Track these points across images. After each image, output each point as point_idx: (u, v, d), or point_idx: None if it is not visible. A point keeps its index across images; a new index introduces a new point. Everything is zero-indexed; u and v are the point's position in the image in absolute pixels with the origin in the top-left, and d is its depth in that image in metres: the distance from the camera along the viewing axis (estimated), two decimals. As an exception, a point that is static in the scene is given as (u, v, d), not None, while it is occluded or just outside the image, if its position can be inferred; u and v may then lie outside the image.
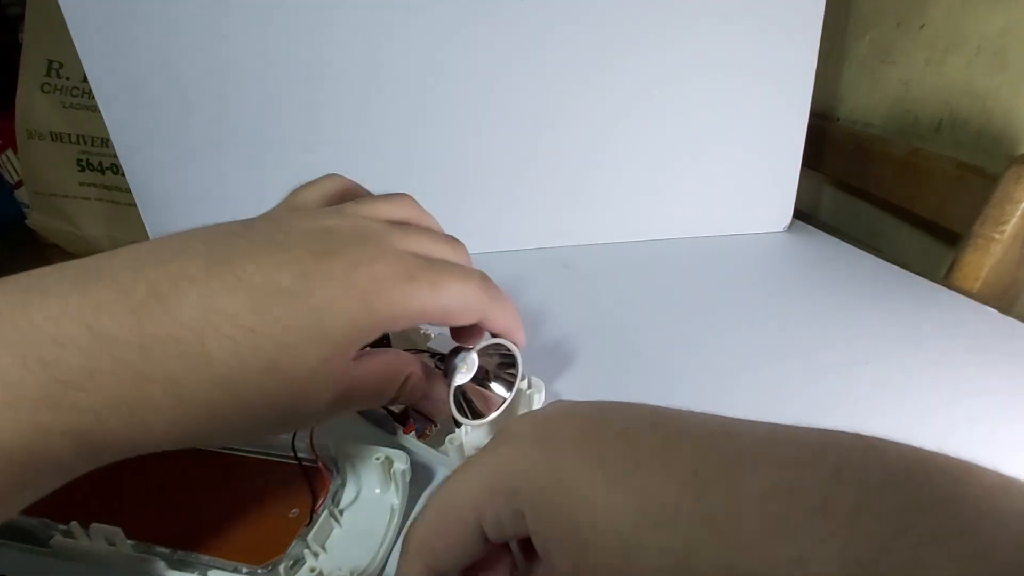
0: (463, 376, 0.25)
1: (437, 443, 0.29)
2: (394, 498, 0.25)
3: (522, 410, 0.30)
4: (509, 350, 0.26)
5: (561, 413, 0.18)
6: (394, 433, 0.29)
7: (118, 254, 0.19)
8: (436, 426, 0.29)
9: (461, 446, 0.28)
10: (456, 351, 0.26)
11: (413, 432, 0.29)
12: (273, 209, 0.26)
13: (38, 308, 0.17)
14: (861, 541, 0.12)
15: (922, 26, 0.54)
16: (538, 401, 0.30)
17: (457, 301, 0.22)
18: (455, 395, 0.25)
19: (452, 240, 0.25)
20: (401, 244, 0.22)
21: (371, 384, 0.22)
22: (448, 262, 0.23)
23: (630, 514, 0.14)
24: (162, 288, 0.18)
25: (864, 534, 0.12)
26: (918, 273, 0.47)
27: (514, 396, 0.28)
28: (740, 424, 0.16)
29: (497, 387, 0.28)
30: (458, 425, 0.29)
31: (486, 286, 0.24)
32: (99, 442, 0.17)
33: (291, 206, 0.25)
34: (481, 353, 0.26)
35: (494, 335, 0.25)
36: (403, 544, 0.19)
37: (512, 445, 0.18)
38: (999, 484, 0.13)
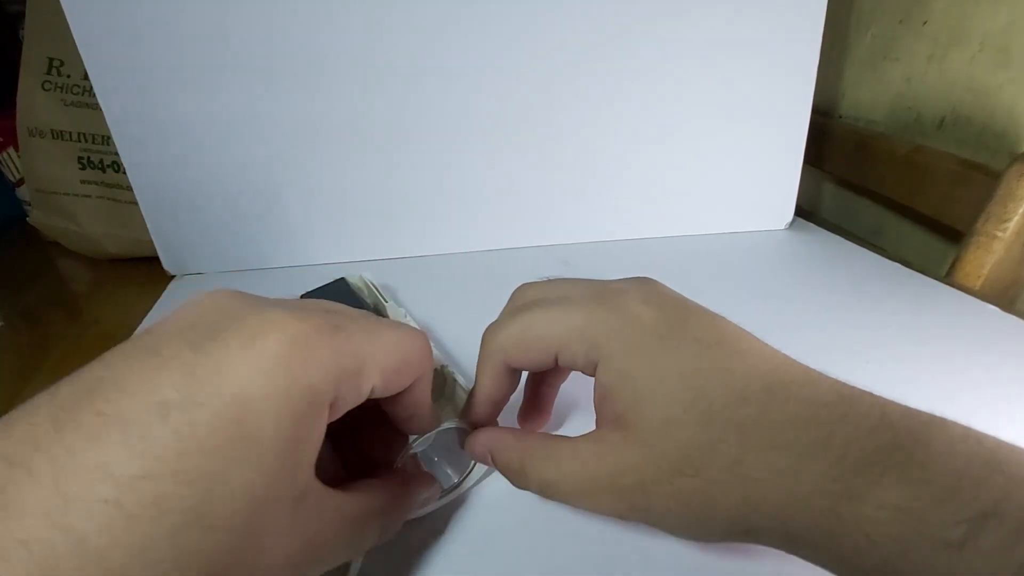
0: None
1: None
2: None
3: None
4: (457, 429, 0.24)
5: (653, 302, 0.21)
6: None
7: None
8: None
9: None
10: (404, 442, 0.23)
11: None
12: None
13: None
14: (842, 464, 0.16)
15: (924, 22, 0.53)
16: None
17: (400, 349, 0.18)
18: None
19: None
20: (311, 306, 0.18)
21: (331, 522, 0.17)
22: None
23: (680, 405, 0.19)
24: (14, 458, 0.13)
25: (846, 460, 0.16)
26: (920, 271, 0.47)
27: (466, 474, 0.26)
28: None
29: (447, 469, 0.26)
30: None
31: (422, 336, 0.20)
32: None
33: None
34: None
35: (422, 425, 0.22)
36: (482, 345, 0.22)
37: (608, 307, 0.21)
38: (960, 434, 0.17)
